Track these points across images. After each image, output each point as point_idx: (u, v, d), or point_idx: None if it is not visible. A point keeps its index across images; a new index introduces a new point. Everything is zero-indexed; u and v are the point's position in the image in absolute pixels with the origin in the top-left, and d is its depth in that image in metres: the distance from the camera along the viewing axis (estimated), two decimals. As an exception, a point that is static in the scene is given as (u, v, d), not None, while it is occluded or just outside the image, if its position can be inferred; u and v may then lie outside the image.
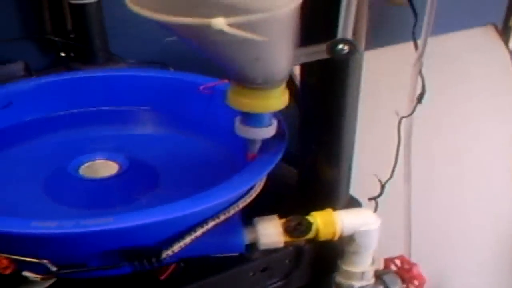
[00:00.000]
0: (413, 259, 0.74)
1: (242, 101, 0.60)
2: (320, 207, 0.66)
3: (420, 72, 0.68)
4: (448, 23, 1.46)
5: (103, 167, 0.75)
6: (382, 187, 0.72)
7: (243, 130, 0.63)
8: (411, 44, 0.75)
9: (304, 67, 0.64)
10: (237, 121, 0.64)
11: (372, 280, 0.70)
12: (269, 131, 0.64)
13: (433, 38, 1.33)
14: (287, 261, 0.69)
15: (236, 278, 0.67)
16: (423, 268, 0.74)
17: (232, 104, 0.61)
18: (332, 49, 0.58)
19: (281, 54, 0.56)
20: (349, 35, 0.57)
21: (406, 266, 0.74)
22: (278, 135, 0.69)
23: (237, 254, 0.64)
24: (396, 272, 0.74)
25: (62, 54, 1.11)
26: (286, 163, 0.77)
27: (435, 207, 1.32)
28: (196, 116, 0.82)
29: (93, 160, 0.76)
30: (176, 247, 0.60)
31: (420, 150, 1.12)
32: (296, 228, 0.63)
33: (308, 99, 0.66)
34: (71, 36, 1.09)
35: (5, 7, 1.04)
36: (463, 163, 1.37)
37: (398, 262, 0.75)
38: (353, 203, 0.73)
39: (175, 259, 0.63)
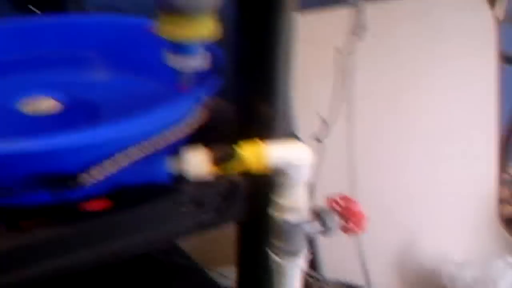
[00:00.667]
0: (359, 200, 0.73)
1: (168, 28, 0.60)
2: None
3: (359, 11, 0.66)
4: None
5: (45, 105, 0.75)
6: (326, 127, 0.70)
7: (172, 59, 0.63)
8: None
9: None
10: (169, 52, 0.63)
11: (305, 214, 0.69)
12: (198, 60, 0.63)
13: None
14: (220, 195, 0.68)
15: (167, 210, 0.66)
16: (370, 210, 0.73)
17: (160, 32, 0.61)
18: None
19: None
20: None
21: (346, 204, 0.73)
22: (215, 70, 0.68)
23: (164, 184, 0.63)
24: (336, 210, 0.73)
25: (31, 7, 1.10)
26: (227, 99, 0.76)
27: (383, 153, 1.30)
28: (141, 58, 0.80)
29: (35, 98, 0.76)
30: (96, 173, 0.59)
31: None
32: (222, 157, 0.62)
33: (240, 31, 0.65)
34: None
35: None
36: (425, 115, 1.35)
37: (339, 200, 0.74)
38: (296, 139, 0.72)
39: (101, 189, 0.63)
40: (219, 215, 0.69)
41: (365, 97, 1.24)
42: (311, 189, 0.73)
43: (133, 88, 0.80)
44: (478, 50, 1.40)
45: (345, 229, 0.73)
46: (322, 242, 1.29)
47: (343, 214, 0.73)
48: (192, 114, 0.66)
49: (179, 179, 0.63)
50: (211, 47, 0.67)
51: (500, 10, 1.43)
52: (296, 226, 0.68)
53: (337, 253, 1.20)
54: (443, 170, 1.42)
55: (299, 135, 0.74)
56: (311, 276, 1.17)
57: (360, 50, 1.01)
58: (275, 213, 0.68)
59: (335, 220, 0.72)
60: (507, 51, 1.44)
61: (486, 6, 1.38)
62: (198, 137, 0.69)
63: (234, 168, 0.63)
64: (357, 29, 0.69)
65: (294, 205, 0.67)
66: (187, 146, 0.64)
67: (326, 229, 0.72)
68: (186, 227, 0.68)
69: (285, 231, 0.69)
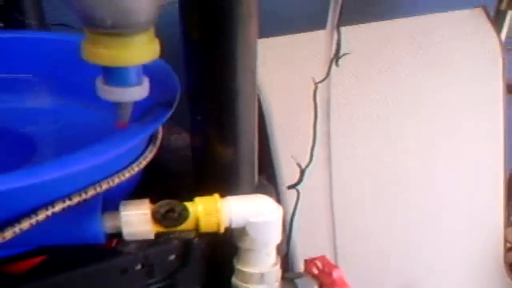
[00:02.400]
0: (339, 261, 0.60)
1: (97, 51, 0.48)
2: (217, 193, 0.53)
3: (337, 30, 0.54)
4: (433, 3, 1.33)
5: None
6: (302, 173, 0.58)
7: (104, 91, 0.51)
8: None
9: (184, 19, 0.51)
10: (99, 80, 0.51)
11: (275, 285, 0.56)
12: (137, 91, 0.51)
13: (415, 18, 1.21)
14: (171, 258, 0.56)
15: (106, 274, 0.54)
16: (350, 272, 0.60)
17: (86, 56, 0.49)
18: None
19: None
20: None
21: (326, 269, 0.60)
22: (165, 100, 0.56)
23: (100, 245, 0.51)
24: (315, 276, 0.61)
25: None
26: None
27: (376, 193, 1.16)
28: (82, 82, 0.68)
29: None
30: (9, 233, 0.47)
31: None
32: (167, 215, 0.50)
33: (191, 58, 0.53)
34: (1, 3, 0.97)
35: None
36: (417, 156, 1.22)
37: (319, 264, 0.61)
38: (264, 191, 0.59)
39: (17, 249, 0.51)
40: (171, 281, 0.57)
41: (362, 128, 1.13)
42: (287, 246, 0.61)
43: (80, 120, 0.68)
44: (484, 80, 1.27)
45: (325, 299, 0.61)
46: None
47: (322, 280, 0.60)
48: (131, 157, 0.54)
49: (117, 239, 0.51)
50: (161, 70, 0.56)
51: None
52: (263, 297, 0.56)
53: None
54: (444, 213, 1.28)
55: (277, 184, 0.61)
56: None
57: (344, 78, 0.90)
58: (238, 282, 0.56)
59: (312, 288, 0.59)
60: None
61: (491, 32, 1.25)
62: (142, 183, 0.57)
63: (181, 228, 0.51)
64: (335, 54, 0.57)
65: (257, 271, 0.54)
66: (126, 198, 0.52)
67: (301, 300, 0.59)
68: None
69: (251, 303, 0.56)
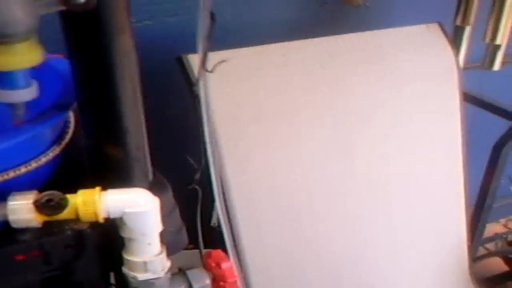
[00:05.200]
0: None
1: None
2: (112, 187, 0.58)
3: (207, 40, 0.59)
4: (390, 18, 1.36)
5: None
6: (200, 173, 0.62)
7: None
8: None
9: (65, 29, 0.57)
10: None
11: (161, 273, 0.60)
12: (25, 93, 0.56)
13: (371, 32, 1.23)
14: (66, 247, 0.61)
15: (3, 260, 0.59)
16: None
17: None
18: (65, -2, 0.50)
19: (5, 3, 0.50)
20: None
21: (218, 262, 0.64)
22: (62, 103, 0.61)
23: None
24: (211, 268, 0.64)
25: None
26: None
27: (334, 201, 1.18)
28: None
29: None
30: None
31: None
32: (47, 204, 0.55)
33: (76, 67, 0.58)
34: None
35: None
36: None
37: (213, 257, 0.65)
38: (159, 187, 0.64)
39: None
40: (67, 269, 0.61)
41: (312, 142, 1.15)
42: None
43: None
44: (440, 92, 1.28)
45: (218, 290, 0.64)
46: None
47: (214, 273, 0.64)
48: (29, 154, 0.59)
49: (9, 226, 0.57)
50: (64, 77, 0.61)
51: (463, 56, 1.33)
52: (149, 285, 0.59)
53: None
54: (404, 223, 1.29)
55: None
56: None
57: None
58: (126, 271, 0.60)
59: (203, 281, 0.63)
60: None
61: (447, 47, 1.27)
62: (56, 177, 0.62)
63: (62, 216, 0.55)
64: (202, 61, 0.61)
65: (140, 260, 0.58)
66: (19, 190, 0.57)
67: (190, 290, 0.62)
68: (26, 281, 0.60)
69: (139, 291, 0.60)
